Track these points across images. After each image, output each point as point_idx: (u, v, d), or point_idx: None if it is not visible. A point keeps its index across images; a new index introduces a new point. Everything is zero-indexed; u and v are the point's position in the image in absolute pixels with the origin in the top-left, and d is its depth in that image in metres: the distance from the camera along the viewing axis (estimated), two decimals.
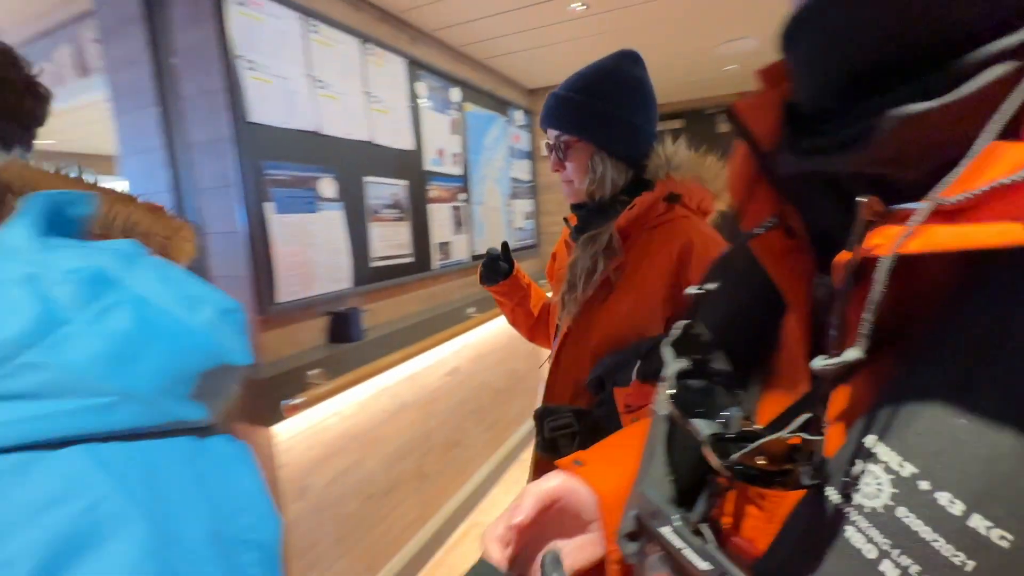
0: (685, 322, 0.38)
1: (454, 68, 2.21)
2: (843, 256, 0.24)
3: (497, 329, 2.58)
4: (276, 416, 1.27)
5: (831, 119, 0.27)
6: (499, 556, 0.40)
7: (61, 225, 0.32)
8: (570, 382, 0.95)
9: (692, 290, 0.39)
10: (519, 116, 2.83)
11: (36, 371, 0.23)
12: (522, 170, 2.89)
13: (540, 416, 0.90)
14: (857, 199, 0.23)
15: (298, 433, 1.42)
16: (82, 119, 3.06)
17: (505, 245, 1.19)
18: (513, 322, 1.28)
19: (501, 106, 2.62)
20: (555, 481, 0.44)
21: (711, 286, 0.39)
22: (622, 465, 0.46)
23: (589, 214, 0.95)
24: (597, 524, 0.44)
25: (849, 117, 0.25)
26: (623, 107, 0.88)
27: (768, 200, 0.34)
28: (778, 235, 0.33)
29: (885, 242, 0.22)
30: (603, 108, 0.88)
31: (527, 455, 2.90)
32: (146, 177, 1.42)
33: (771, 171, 0.33)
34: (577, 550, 0.44)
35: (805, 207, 0.31)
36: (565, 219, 1.08)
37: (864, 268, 0.23)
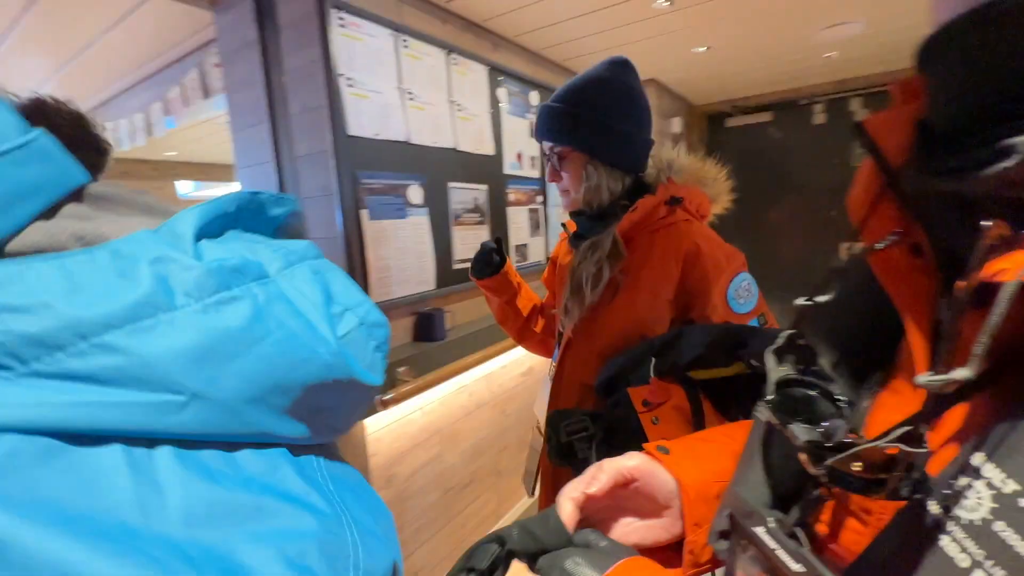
0: (789, 331, 0.39)
1: (533, 72, 2.23)
2: (965, 279, 0.24)
3: None
4: (370, 409, 1.36)
5: (967, 139, 0.26)
6: (568, 516, 0.42)
7: (258, 223, 0.32)
8: (576, 386, 0.94)
9: (800, 301, 0.38)
10: None
11: (109, 354, 0.20)
12: None
13: (553, 420, 0.88)
14: (982, 223, 0.23)
15: (386, 425, 1.51)
16: (204, 133, 3.42)
17: (499, 240, 1.18)
18: (501, 320, 1.26)
19: None
20: (636, 460, 0.46)
21: (823, 298, 0.38)
22: (706, 461, 0.47)
23: (589, 221, 0.95)
24: (673, 511, 0.45)
25: (987, 138, 0.25)
26: (612, 115, 0.88)
27: (891, 216, 0.34)
28: (900, 252, 0.32)
29: (1011, 267, 0.22)
30: (592, 117, 0.88)
31: None
32: (258, 186, 1.58)
33: (897, 188, 0.33)
34: (645, 529, 0.46)
35: (932, 226, 0.31)
36: (563, 225, 1.07)
37: (986, 291, 0.23)
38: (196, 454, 0.21)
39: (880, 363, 0.37)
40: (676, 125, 3.16)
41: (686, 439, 0.53)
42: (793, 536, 0.32)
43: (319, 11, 1.30)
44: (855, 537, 0.32)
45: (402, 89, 1.53)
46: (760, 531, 0.33)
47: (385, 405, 1.30)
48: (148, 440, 0.20)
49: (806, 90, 3.24)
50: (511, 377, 2.14)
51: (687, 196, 0.90)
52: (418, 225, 1.60)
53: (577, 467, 0.81)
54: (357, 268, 1.40)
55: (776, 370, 0.37)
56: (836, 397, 0.36)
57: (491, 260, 1.17)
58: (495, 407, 2.04)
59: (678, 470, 0.46)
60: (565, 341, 0.98)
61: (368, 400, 0.32)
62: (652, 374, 0.77)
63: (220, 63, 1.71)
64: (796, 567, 0.29)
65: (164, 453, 0.20)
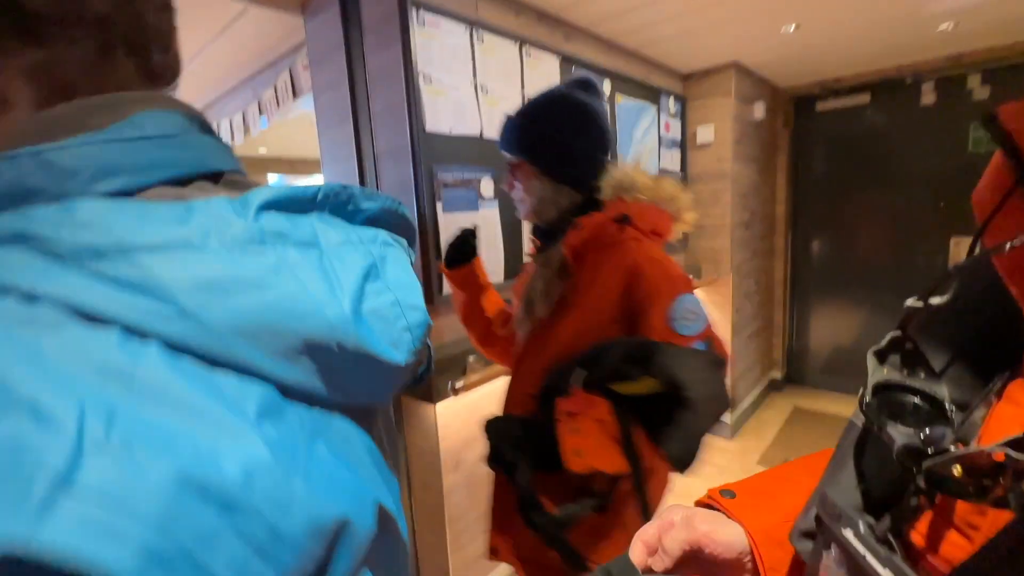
0: (894, 333, 0.37)
1: (605, 60, 2.19)
2: None
3: None
4: (443, 394, 1.42)
5: None
6: (640, 558, 0.43)
7: (346, 213, 0.35)
8: (524, 396, 0.94)
9: (912, 302, 0.36)
10: (671, 104, 2.70)
11: (133, 268, 0.24)
12: (672, 160, 2.75)
13: (486, 426, 0.88)
14: None
15: (456, 411, 1.57)
16: (292, 130, 3.68)
17: (473, 232, 1.14)
18: (465, 320, 1.23)
19: (653, 94, 2.53)
20: (704, 525, 0.44)
21: (938, 300, 0.35)
22: (778, 499, 0.46)
23: (543, 236, 0.99)
24: (747, 557, 0.44)
25: None
26: (564, 131, 0.90)
27: (1022, 215, 0.31)
28: None
29: None
30: (543, 132, 0.91)
31: None
32: (342, 182, 1.68)
33: None
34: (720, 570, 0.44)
35: None
36: (531, 237, 1.07)
37: None
38: (179, 356, 0.24)
39: (998, 370, 0.34)
40: (759, 111, 2.97)
41: (758, 477, 0.51)
42: (886, 542, 0.31)
43: (400, 11, 1.36)
44: (957, 552, 0.30)
45: (477, 84, 1.56)
46: (849, 534, 0.32)
47: (456, 392, 1.35)
48: (142, 334, 0.24)
49: (912, 67, 2.92)
50: None
51: (637, 214, 0.89)
52: (489, 218, 1.63)
53: (508, 470, 0.84)
54: (432, 259, 1.46)
55: (876, 372, 0.36)
56: (943, 403, 0.34)
57: (464, 248, 1.14)
58: None
59: (743, 515, 0.44)
60: (519, 351, 1.01)
61: (392, 376, 0.32)
62: (575, 385, 0.78)
63: (308, 65, 1.82)
64: (885, 573, 0.28)
65: (153, 345, 0.24)
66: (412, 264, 0.38)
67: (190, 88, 2.74)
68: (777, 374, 3.65)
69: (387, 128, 1.48)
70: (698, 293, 2.82)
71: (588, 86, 0.96)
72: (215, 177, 0.33)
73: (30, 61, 0.29)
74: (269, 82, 2.36)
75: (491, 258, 1.65)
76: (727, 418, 2.94)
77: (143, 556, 0.19)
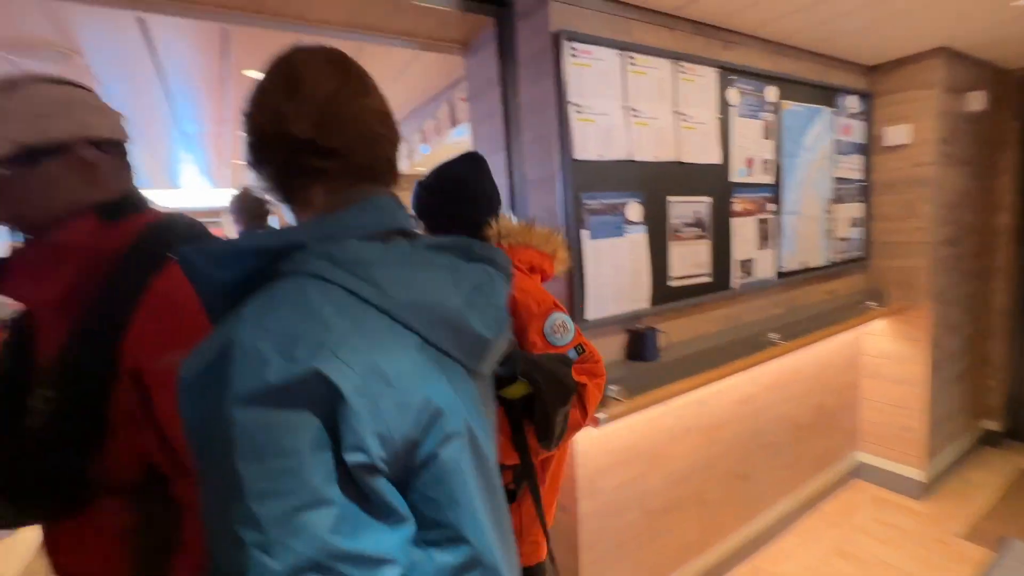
0: None
1: (771, 63, 1.98)
2: None
3: (805, 357, 2.23)
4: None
5: None
6: None
7: (469, 254, 0.60)
8: None
9: None
10: (852, 103, 2.34)
11: (364, 269, 0.48)
12: (851, 168, 2.39)
13: None
14: None
15: (594, 438, 1.55)
16: (443, 153, 4.00)
17: None
18: None
19: (828, 95, 2.22)
20: None
21: None
22: None
23: None
24: None
25: None
26: (448, 202, 1.13)
27: None
28: None
29: None
30: (430, 202, 1.14)
31: (830, 506, 2.45)
32: None
33: None
34: None
35: None
36: None
37: None
38: (381, 315, 0.47)
39: None
40: (976, 102, 2.41)
41: None
42: None
43: (554, 45, 1.39)
44: None
45: (626, 107, 1.53)
46: None
47: (598, 423, 1.34)
48: (365, 302, 0.46)
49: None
50: (724, 404, 1.97)
51: (512, 254, 1.11)
52: (635, 242, 1.59)
53: None
54: (577, 286, 1.47)
55: None
56: None
57: None
58: (703, 434, 1.91)
59: None
60: None
61: (485, 345, 0.55)
62: None
63: (466, 98, 1.97)
64: None
65: (372, 310, 0.47)
66: (506, 285, 0.62)
67: None
68: (994, 425, 2.93)
69: (537, 157, 1.53)
70: (880, 324, 2.41)
71: (473, 159, 1.18)
72: (402, 231, 0.58)
73: (325, 185, 0.56)
74: (430, 113, 2.61)
75: (638, 284, 1.60)
76: (912, 472, 2.45)
77: (357, 385, 0.41)
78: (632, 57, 1.53)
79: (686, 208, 1.72)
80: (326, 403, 0.39)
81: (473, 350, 0.53)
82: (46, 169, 0.70)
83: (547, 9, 1.40)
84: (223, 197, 7.16)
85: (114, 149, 0.78)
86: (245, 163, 0.59)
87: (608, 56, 1.48)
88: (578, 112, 1.43)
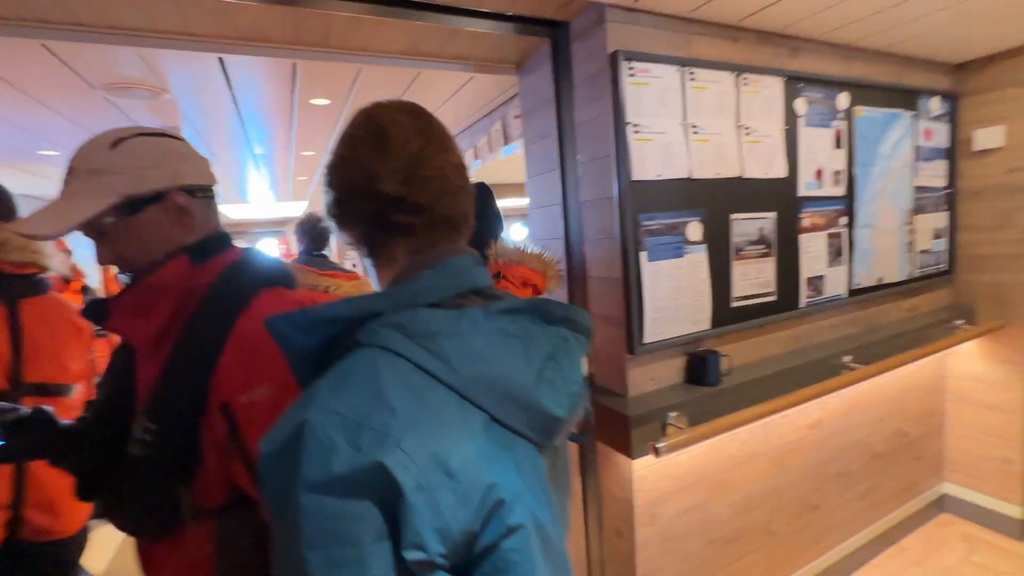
0: None
1: (843, 69, 1.87)
2: None
3: (882, 378, 2.07)
4: (641, 450, 1.39)
5: None
6: None
7: (545, 316, 0.59)
8: None
9: None
10: (934, 105, 2.17)
11: (433, 342, 0.48)
12: (934, 175, 2.21)
13: None
14: None
15: (653, 463, 1.51)
16: (502, 166, 4.06)
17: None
18: None
19: (907, 98, 2.07)
20: None
21: None
22: None
23: None
24: None
25: None
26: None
27: None
28: None
29: None
30: None
31: (913, 542, 2.26)
32: (546, 227, 1.77)
33: None
34: None
35: None
36: None
37: None
38: (448, 391, 0.46)
39: None
40: None
41: None
42: None
43: (612, 65, 1.37)
44: None
45: (686, 124, 1.49)
46: None
47: (657, 452, 1.30)
48: (433, 376, 0.46)
49: None
50: (794, 428, 1.86)
51: (507, 271, 1.28)
52: (696, 262, 1.54)
53: None
54: (634, 309, 1.43)
55: None
56: None
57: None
58: (771, 460, 1.81)
59: None
60: None
61: (556, 424, 0.51)
62: None
63: (519, 115, 1.98)
64: None
65: (440, 386, 0.47)
66: (584, 352, 0.60)
67: None
68: None
69: (593, 178, 1.51)
70: (969, 344, 2.20)
71: (482, 185, 1.32)
72: (479, 291, 0.57)
73: (409, 241, 0.57)
74: (483, 130, 2.65)
75: (698, 305, 1.55)
76: (1010, 509, 2.21)
77: (418, 481, 0.40)
78: (692, 72, 1.49)
79: (750, 225, 1.64)
80: (387, 495, 0.39)
81: (543, 429, 0.50)
82: (145, 216, 0.77)
83: (604, 29, 1.39)
84: (285, 209, 7.59)
85: (203, 193, 0.84)
86: (330, 218, 0.61)
87: (667, 73, 1.45)
88: (636, 132, 1.40)
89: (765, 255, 1.69)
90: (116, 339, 0.88)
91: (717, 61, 1.54)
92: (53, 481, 1.35)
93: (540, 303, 0.57)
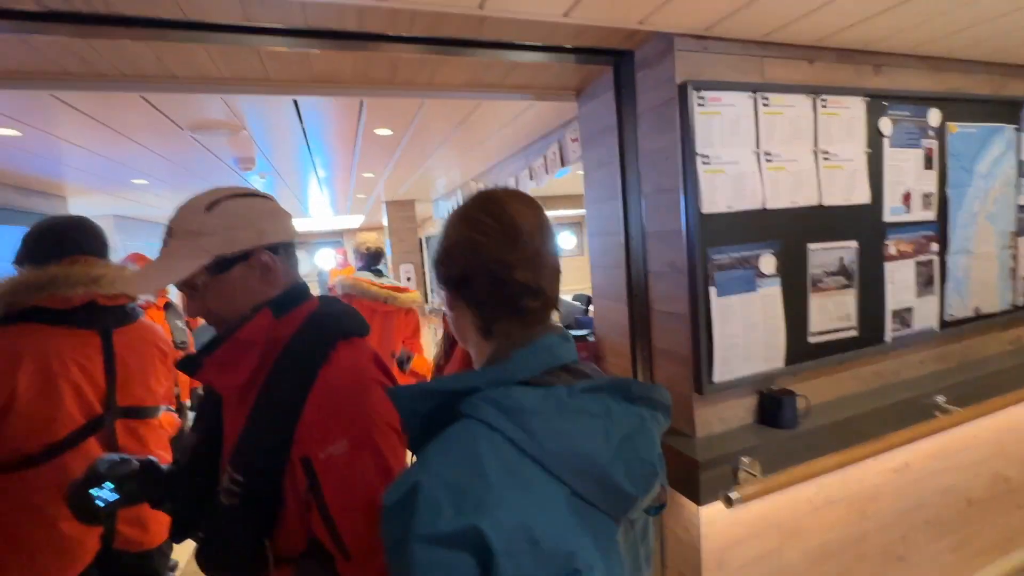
0: None
1: (934, 83, 1.72)
2: None
3: (979, 422, 1.88)
4: (710, 497, 1.32)
5: None
6: None
7: (627, 394, 0.63)
8: None
9: None
10: None
11: (522, 418, 0.53)
12: None
13: None
14: None
15: (720, 507, 1.43)
16: (556, 184, 4.04)
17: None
18: None
19: (1009, 110, 1.88)
20: None
21: None
22: None
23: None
24: None
25: None
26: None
27: None
28: None
29: None
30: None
31: None
32: (606, 256, 1.73)
33: None
34: None
35: None
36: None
37: None
38: (534, 463, 0.52)
39: None
40: None
41: None
42: None
43: (681, 96, 1.33)
44: None
45: (759, 152, 1.42)
46: None
47: (730, 503, 1.23)
48: (520, 450, 0.52)
49: None
50: (876, 472, 1.71)
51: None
52: (769, 296, 1.46)
53: None
54: (703, 347, 1.37)
55: None
56: None
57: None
58: (851, 506, 1.68)
59: None
60: None
61: (631, 501, 0.55)
62: None
63: (576, 139, 1.96)
64: None
65: (528, 460, 0.52)
66: (663, 426, 0.63)
67: (477, 160, 3.27)
68: None
69: (659, 210, 1.46)
70: None
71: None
72: (566, 367, 0.62)
73: (523, 320, 0.63)
74: (540, 152, 2.64)
75: (772, 343, 1.46)
76: None
77: (506, 546, 0.45)
78: (766, 98, 1.41)
79: (829, 256, 1.54)
80: (482, 553, 0.46)
81: (617, 504, 0.54)
82: (233, 274, 0.81)
83: (672, 58, 1.34)
84: (343, 221, 7.94)
85: (285, 250, 0.87)
86: (441, 286, 0.68)
87: (739, 100, 1.38)
88: (705, 163, 1.35)
89: (846, 287, 1.58)
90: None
91: (792, 84, 1.46)
92: None
93: (621, 382, 0.61)
